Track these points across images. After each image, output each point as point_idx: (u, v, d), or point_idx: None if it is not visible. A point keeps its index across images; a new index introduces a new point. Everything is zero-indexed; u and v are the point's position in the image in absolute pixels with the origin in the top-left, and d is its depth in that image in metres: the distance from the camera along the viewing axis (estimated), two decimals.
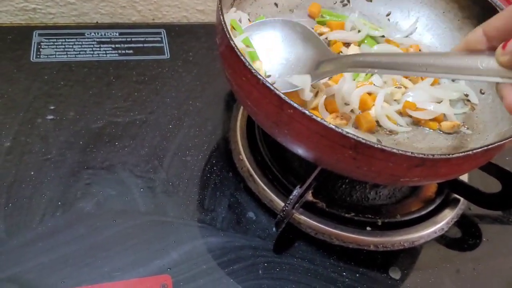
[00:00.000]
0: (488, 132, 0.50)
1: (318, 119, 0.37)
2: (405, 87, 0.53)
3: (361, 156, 0.38)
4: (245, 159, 0.53)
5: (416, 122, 0.51)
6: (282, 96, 0.38)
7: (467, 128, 0.52)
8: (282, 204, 0.49)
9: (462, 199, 0.53)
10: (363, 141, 0.36)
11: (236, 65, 0.41)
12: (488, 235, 0.52)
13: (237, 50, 0.40)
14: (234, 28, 0.52)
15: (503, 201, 0.50)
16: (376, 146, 0.36)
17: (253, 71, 0.39)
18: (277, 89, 0.38)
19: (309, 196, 0.48)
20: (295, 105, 0.37)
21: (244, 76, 0.40)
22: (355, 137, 0.36)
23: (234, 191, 0.51)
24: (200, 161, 0.53)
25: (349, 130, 0.42)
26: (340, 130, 0.36)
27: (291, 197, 0.44)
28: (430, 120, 0.51)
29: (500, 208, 0.51)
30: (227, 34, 0.41)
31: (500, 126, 0.49)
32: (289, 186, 0.50)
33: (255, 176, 0.51)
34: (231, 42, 0.41)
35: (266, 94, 0.39)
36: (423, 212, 0.51)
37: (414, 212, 0.51)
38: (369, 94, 0.51)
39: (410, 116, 0.51)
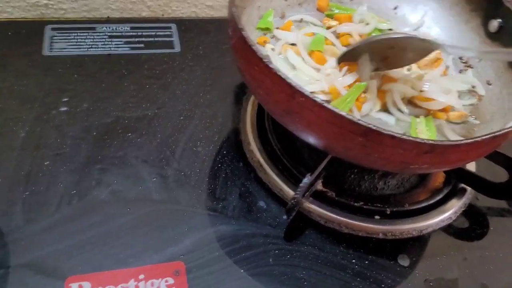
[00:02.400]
0: (495, 122, 0.51)
1: (329, 106, 0.38)
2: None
3: (371, 143, 0.38)
4: (255, 149, 0.53)
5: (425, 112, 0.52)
6: (294, 84, 0.38)
7: (475, 118, 0.52)
8: (292, 193, 0.49)
9: (469, 188, 0.54)
10: (374, 127, 0.37)
11: (248, 55, 0.42)
12: (495, 225, 0.53)
13: (249, 40, 0.41)
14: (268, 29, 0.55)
15: (510, 190, 0.51)
16: (386, 132, 0.37)
17: (265, 60, 0.40)
18: (288, 78, 0.39)
19: (319, 186, 0.49)
20: (307, 93, 0.38)
21: (256, 66, 0.41)
22: (365, 124, 0.37)
23: (244, 180, 0.52)
24: (211, 151, 0.54)
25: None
26: (350, 117, 0.37)
27: (301, 184, 0.45)
28: (439, 110, 0.52)
29: (507, 197, 0.52)
30: (239, 25, 0.42)
31: (507, 117, 0.50)
32: (299, 176, 0.51)
33: (265, 166, 0.52)
34: (243, 32, 0.41)
35: (278, 83, 0.40)
36: (431, 202, 0.52)
37: (422, 201, 0.52)
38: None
39: (417, 106, 0.52)
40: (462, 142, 0.38)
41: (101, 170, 0.50)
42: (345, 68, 0.50)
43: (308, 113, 0.39)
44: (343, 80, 0.49)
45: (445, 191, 0.53)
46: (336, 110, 0.37)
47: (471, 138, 0.38)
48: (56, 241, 0.44)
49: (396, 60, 0.51)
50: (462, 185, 0.54)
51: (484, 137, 0.39)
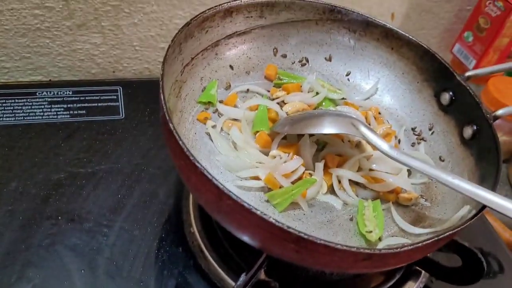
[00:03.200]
0: (447, 205, 0.49)
1: (258, 212, 0.34)
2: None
3: (304, 250, 0.35)
4: (196, 232, 0.50)
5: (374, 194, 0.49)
6: (221, 186, 0.35)
7: (425, 200, 0.50)
8: (233, 283, 0.46)
9: (423, 271, 0.51)
10: (305, 236, 0.34)
11: (175, 147, 0.39)
12: None
13: (176, 134, 0.38)
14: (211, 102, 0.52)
15: (464, 277, 0.48)
16: (319, 242, 0.34)
17: (191, 158, 0.37)
18: (215, 179, 0.36)
19: (262, 275, 0.46)
20: (234, 196, 0.35)
21: (183, 160, 0.38)
22: (296, 233, 0.34)
23: (183, 269, 0.48)
24: (149, 235, 0.50)
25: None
26: (281, 225, 0.34)
27: (237, 285, 0.41)
28: (389, 192, 0.49)
29: (461, 283, 0.49)
30: (166, 114, 0.39)
31: (458, 199, 0.48)
32: (242, 264, 0.47)
33: (206, 252, 0.49)
34: (171, 125, 0.38)
35: (205, 183, 0.36)
36: (385, 287, 0.49)
37: (375, 287, 0.49)
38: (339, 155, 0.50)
39: (365, 188, 0.49)
40: (402, 249, 0.35)
41: (24, 262, 0.46)
42: (290, 154, 0.47)
43: (238, 216, 0.36)
44: (286, 165, 0.46)
45: (398, 275, 0.50)
46: (265, 217, 0.34)
47: (410, 245, 0.35)
48: None
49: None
50: (416, 267, 0.51)
51: (426, 242, 0.36)
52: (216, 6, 0.52)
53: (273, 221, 0.34)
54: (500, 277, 0.55)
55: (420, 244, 0.36)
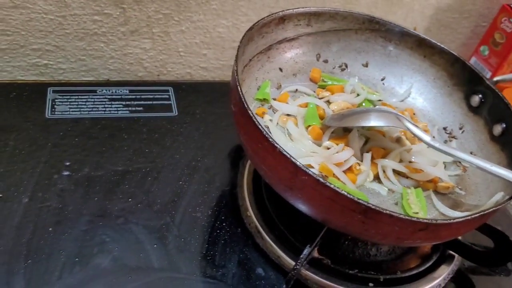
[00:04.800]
0: (480, 193, 0.54)
1: (331, 185, 0.40)
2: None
3: (370, 220, 0.41)
4: (252, 215, 0.55)
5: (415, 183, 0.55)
6: (298, 163, 0.41)
7: (460, 189, 0.56)
8: (290, 260, 0.51)
9: (456, 255, 0.56)
10: (373, 207, 0.39)
11: (252, 132, 0.44)
12: None
13: (254, 119, 0.43)
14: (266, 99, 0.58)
15: (495, 259, 0.53)
16: (384, 211, 0.39)
17: (270, 139, 0.42)
18: (293, 157, 0.41)
19: (315, 253, 0.51)
20: (310, 172, 0.40)
21: (260, 143, 0.44)
22: (365, 203, 0.39)
23: (243, 247, 0.53)
24: (210, 217, 0.55)
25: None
26: (351, 197, 0.40)
27: (301, 256, 0.47)
28: (427, 181, 0.55)
29: (492, 265, 0.54)
30: (244, 102, 0.45)
31: (491, 188, 0.53)
32: (296, 243, 0.53)
33: (263, 233, 0.54)
34: (249, 111, 0.44)
35: (281, 161, 0.42)
36: (422, 269, 0.54)
37: (413, 268, 0.54)
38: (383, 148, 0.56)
39: (407, 177, 0.55)
40: (453, 220, 0.41)
41: (103, 237, 0.51)
42: (342, 145, 0.53)
43: (310, 190, 0.42)
44: (339, 155, 0.52)
45: (434, 257, 0.56)
46: (338, 190, 0.40)
47: (462, 217, 0.41)
48: None
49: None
50: (450, 251, 0.56)
51: (474, 216, 0.41)
52: (272, 13, 0.58)
53: (345, 193, 0.40)
54: None
55: (469, 217, 0.41)
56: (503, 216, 0.64)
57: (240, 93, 0.46)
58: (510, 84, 0.90)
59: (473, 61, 0.93)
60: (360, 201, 0.39)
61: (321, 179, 0.40)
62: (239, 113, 0.46)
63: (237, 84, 0.47)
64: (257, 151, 0.45)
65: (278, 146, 0.42)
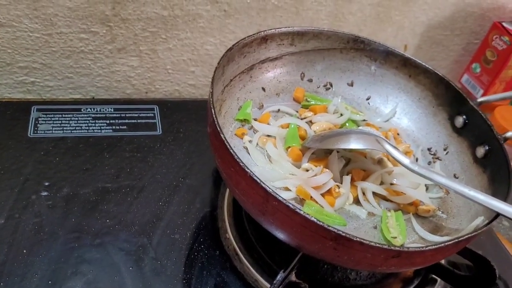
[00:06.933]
0: (462, 216, 0.54)
1: (301, 212, 0.39)
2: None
3: (341, 246, 0.40)
4: (231, 237, 0.55)
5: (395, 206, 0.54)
6: (268, 188, 0.40)
7: (442, 212, 0.55)
8: (267, 284, 0.51)
9: (439, 279, 0.55)
10: (343, 234, 0.39)
11: (225, 156, 0.44)
12: None
13: (226, 143, 0.43)
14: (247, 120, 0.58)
15: (476, 284, 0.52)
16: (355, 239, 0.39)
17: (241, 164, 0.42)
18: (263, 182, 0.41)
19: (293, 277, 0.50)
20: (280, 198, 0.40)
21: (233, 167, 0.43)
22: (335, 230, 0.39)
23: (220, 270, 0.53)
24: (188, 239, 0.55)
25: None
26: (321, 223, 0.39)
27: (275, 282, 0.46)
28: (408, 204, 0.54)
29: None
30: (217, 126, 0.45)
31: (472, 211, 0.53)
32: (274, 266, 0.52)
33: (241, 255, 0.53)
34: (221, 135, 0.44)
35: (253, 185, 0.41)
36: None
37: None
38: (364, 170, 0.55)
39: (387, 200, 0.54)
40: (427, 248, 0.40)
41: (78, 259, 0.50)
42: (320, 167, 0.53)
43: (282, 216, 0.41)
44: (317, 178, 0.51)
45: (416, 282, 0.55)
46: (308, 216, 0.39)
47: (435, 244, 0.40)
48: None
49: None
50: (433, 275, 0.55)
51: (447, 243, 0.41)
52: (254, 34, 0.58)
53: (315, 220, 0.39)
54: None
55: (443, 245, 0.40)
56: (489, 238, 0.63)
57: (214, 116, 0.45)
58: (503, 101, 0.89)
59: (465, 79, 0.92)
60: (330, 228, 0.39)
61: (291, 205, 0.39)
62: (213, 135, 0.46)
63: (212, 106, 0.46)
64: (230, 175, 0.45)
65: (249, 171, 0.41)
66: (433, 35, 0.91)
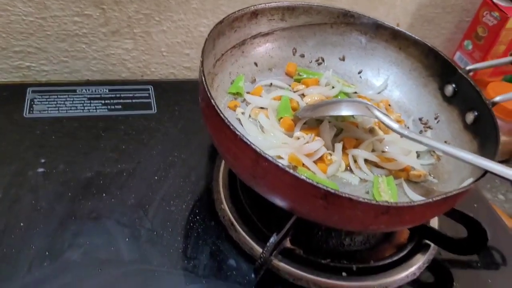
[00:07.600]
0: (453, 181, 0.54)
1: (291, 171, 0.40)
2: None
3: (332, 205, 0.41)
4: (226, 208, 0.55)
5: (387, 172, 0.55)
6: (258, 150, 0.41)
7: (433, 178, 0.55)
8: (261, 251, 0.51)
9: (433, 244, 0.56)
10: (332, 191, 0.39)
11: (216, 122, 0.44)
12: (459, 280, 0.55)
13: (216, 108, 0.44)
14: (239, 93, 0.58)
15: (469, 247, 0.53)
16: (344, 195, 0.39)
17: (231, 127, 0.42)
18: (253, 144, 0.41)
19: (287, 243, 0.51)
20: (270, 158, 0.41)
21: (224, 132, 0.44)
22: (324, 187, 0.39)
23: (216, 239, 0.53)
24: (184, 210, 0.56)
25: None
26: (311, 181, 0.40)
27: (268, 244, 0.46)
28: (399, 170, 0.54)
29: (467, 253, 0.54)
30: (208, 92, 0.45)
31: (463, 175, 0.53)
32: (268, 234, 0.52)
33: (236, 225, 0.54)
34: (212, 100, 0.44)
35: (243, 148, 0.42)
36: (396, 258, 0.54)
37: (387, 257, 0.54)
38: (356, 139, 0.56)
39: (379, 167, 0.55)
40: (415, 203, 0.41)
41: (75, 232, 0.51)
42: (312, 135, 0.53)
43: (272, 177, 0.42)
44: (309, 146, 0.52)
45: (409, 247, 0.55)
46: (297, 175, 0.40)
47: (423, 200, 0.41)
48: None
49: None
50: (426, 241, 0.56)
51: (436, 198, 0.41)
52: (244, 8, 0.58)
53: (304, 178, 0.40)
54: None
55: (431, 200, 0.41)
56: (481, 205, 0.64)
57: (204, 83, 0.46)
58: (495, 77, 0.90)
59: (457, 56, 0.93)
60: (319, 185, 0.39)
61: (280, 165, 0.40)
62: (204, 103, 0.47)
63: (202, 74, 0.47)
64: (222, 141, 0.45)
65: (239, 134, 0.42)
66: (425, 13, 0.91)
